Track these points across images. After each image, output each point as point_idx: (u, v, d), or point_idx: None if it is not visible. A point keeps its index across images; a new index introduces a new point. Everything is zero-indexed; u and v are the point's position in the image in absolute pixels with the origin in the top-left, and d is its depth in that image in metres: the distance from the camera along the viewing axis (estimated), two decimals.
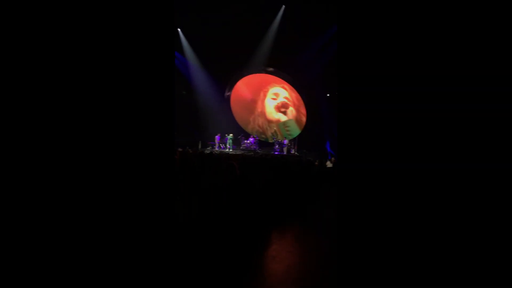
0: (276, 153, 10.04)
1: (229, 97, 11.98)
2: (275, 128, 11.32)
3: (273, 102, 11.73)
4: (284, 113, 11.61)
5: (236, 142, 10.89)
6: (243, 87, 11.80)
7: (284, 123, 11.45)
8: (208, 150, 9.43)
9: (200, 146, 10.57)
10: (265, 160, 4.80)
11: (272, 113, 11.79)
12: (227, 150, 10.28)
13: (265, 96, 11.81)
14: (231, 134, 10.71)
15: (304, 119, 11.29)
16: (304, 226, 3.45)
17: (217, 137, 10.66)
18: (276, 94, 11.66)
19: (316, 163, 6.68)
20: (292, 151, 10.51)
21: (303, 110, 11.23)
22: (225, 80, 11.56)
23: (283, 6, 9.69)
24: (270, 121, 11.84)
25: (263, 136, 11.64)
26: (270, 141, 11.04)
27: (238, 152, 9.62)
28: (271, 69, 11.23)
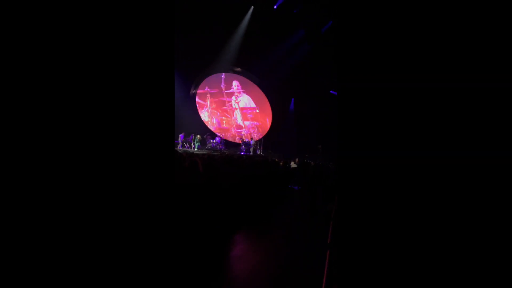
0: (242, 153, 10.01)
1: (194, 95, 11.66)
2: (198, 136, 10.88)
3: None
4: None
5: (201, 142, 10.62)
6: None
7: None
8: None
9: None
10: (231, 160, 4.73)
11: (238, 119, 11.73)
12: (192, 149, 9.97)
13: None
14: (198, 135, 10.41)
15: (268, 121, 11.43)
16: (269, 226, 3.45)
17: (181, 135, 10.28)
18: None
19: (281, 163, 6.79)
20: (258, 152, 10.57)
21: (268, 112, 11.37)
22: (190, 78, 11.23)
23: (252, 7, 9.72)
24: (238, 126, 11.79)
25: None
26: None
27: (204, 151, 9.39)
28: (238, 69, 11.18)
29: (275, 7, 8.94)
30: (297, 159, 8.33)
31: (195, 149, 10.08)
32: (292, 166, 7.60)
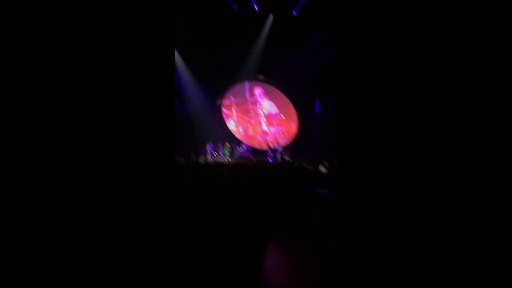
0: (270, 160, 10.03)
1: (220, 105, 11.99)
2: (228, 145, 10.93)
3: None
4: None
5: (231, 150, 10.83)
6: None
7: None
8: (201, 160, 9.35)
9: (192, 156, 10.48)
10: (259, 167, 4.78)
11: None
12: (221, 159, 10.21)
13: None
14: (226, 143, 10.64)
15: (294, 126, 11.35)
16: (299, 236, 3.42)
17: (209, 145, 10.59)
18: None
19: (310, 168, 6.69)
20: (286, 158, 10.51)
21: (294, 117, 11.29)
22: (215, 89, 11.58)
23: (271, 15, 9.84)
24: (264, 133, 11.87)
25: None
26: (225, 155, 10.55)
27: (232, 161, 9.57)
28: (261, 76, 11.32)
29: (294, 13, 8.97)
30: (325, 163, 8.14)
31: (224, 158, 10.31)
32: (322, 171, 7.44)
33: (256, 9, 8.94)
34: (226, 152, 10.49)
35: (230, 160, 9.86)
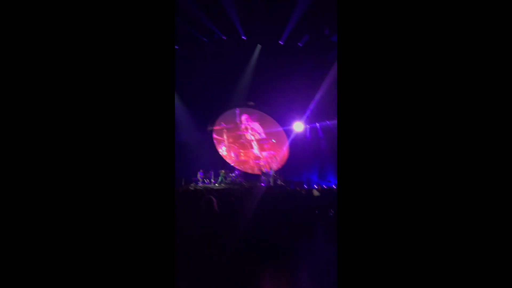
0: (263, 184, 9.87)
1: (211, 131, 12.00)
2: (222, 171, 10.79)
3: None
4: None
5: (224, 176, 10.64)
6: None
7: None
8: (191, 187, 9.11)
9: (183, 183, 10.22)
10: (251, 193, 4.65)
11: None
12: (214, 185, 9.98)
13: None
14: (222, 171, 10.49)
15: (286, 150, 11.38)
16: (296, 264, 3.24)
17: (200, 172, 10.40)
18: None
19: (303, 192, 6.58)
20: (278, 182, 10.39)
21: (285, 141, 11.37)
22: (206, 116, 11.66)
23: (259, 46, 10.25)
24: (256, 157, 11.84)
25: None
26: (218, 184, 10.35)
27: (223, 186, 9.37)
28: (251, 103, 11.52)
29: (281, 42, 9.38)
30: (317, 187, 8.06)
31: (216, 184, 10.09)
32: (315, 194, 7.34)
33: (244, 38, 9.32)
34: (221, 179, 10.30)
35: (222, 186, 9.65)
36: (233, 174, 10.79)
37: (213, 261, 2.07)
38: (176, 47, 9.09)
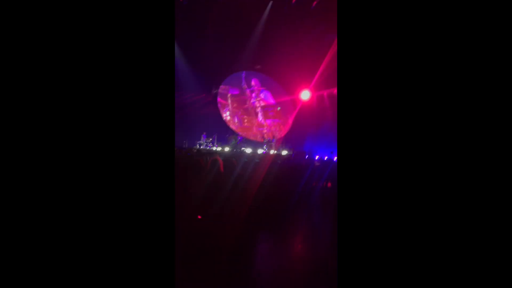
0: (265, 152, 9.93)
1: (215, 94, 11.77)
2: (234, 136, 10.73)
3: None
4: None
5: (223, 141, 10.67)
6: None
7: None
8: (195, 149, 9.19)
9: (186, 145, 10.29)
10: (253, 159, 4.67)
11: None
12: (215, 148, 10.06)
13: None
14: (233, 135, 10.47)
15: (290, 118, 11.24)
16: (293, 227, 3.34)
17: (203, 135, 10.41)
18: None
19: (303, 161, 6.61)
20: (281, 150, 10.43)
21: (291, 109, 11.18)
22: (211, 78, 11.33)
23: (271, 3, 9.56)
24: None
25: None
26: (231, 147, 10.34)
27: (228, 151, 9.44)
28: (258, 66, 11.10)
29: (293, 1, 8.74)
30: (317, 156, 8.10)
31: (217, 148, 10.17)
32: (316, 164, 7.40)
33: None
34: (233, 143, 10.31)
35: (228, 150, 9.73)
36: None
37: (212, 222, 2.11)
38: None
